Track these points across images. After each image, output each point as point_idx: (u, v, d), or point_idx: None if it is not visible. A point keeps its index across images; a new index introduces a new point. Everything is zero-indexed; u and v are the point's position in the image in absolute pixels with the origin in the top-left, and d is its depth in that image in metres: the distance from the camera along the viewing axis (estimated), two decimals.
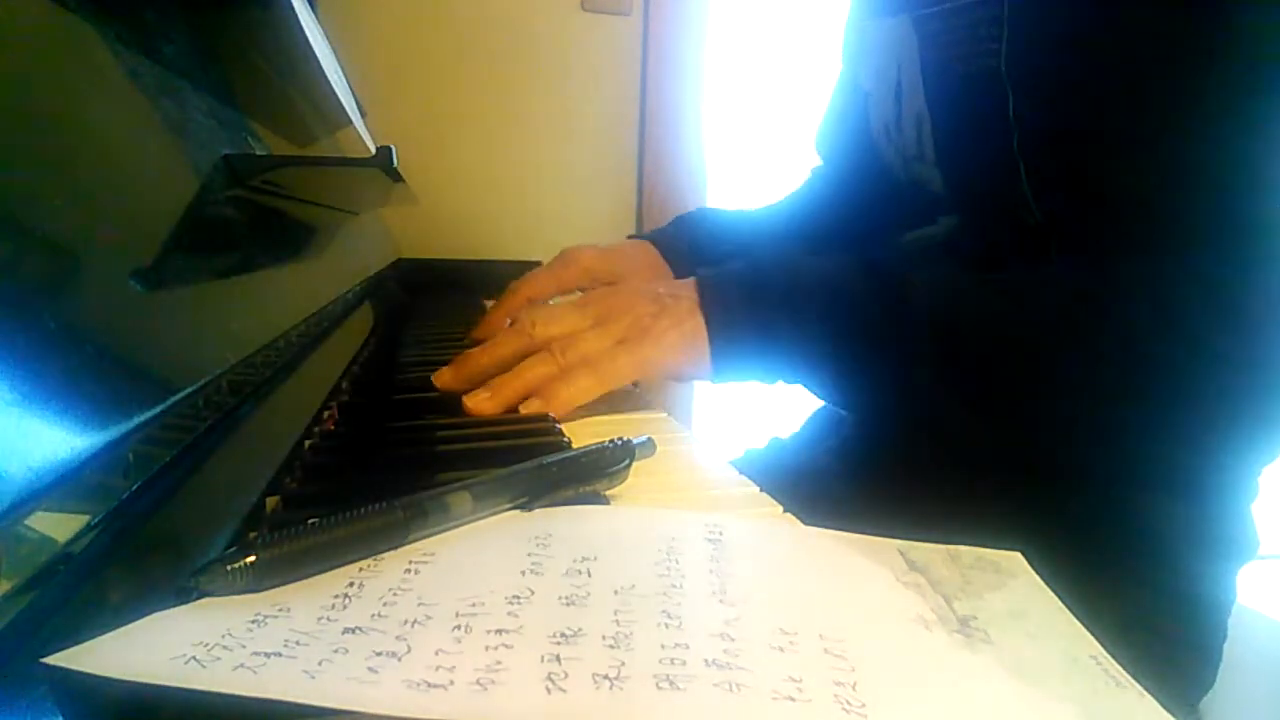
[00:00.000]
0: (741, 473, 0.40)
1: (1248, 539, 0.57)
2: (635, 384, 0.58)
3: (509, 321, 0.64)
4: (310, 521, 0.26)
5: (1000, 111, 0.52)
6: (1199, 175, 0.47)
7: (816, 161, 0.89)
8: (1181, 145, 0.47)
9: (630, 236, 0.81)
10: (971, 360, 0.50)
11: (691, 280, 0.53)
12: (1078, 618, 0.27)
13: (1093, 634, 0.26)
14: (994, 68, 0.52)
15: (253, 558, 0.24)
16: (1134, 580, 0.54)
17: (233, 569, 0.23)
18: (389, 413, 0.50)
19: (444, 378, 0.50)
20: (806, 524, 0.33)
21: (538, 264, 1.52)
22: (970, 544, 0.32)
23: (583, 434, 0.41)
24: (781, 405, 0.78)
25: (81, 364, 0.22)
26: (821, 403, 0.82)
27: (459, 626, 0.23)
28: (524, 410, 0.47)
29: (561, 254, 0.72)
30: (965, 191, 0.60)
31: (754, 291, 0.51)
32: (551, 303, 0.67)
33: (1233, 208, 0.47)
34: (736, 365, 0.51)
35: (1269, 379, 0.47)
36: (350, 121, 0.78)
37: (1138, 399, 0.48)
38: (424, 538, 0.29)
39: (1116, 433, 0.50)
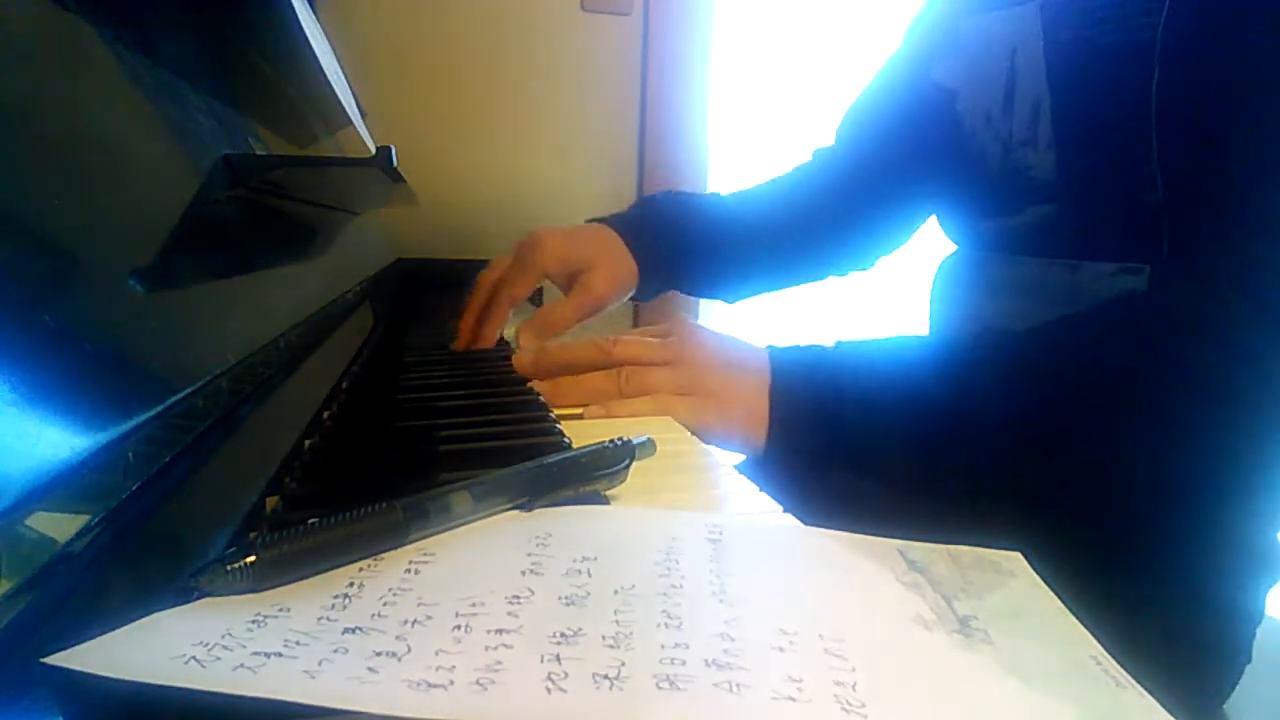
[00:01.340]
0: (744, 472, 0.40)
1: (1277, 558, 0.57)
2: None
3: (488, 330, 0.68)
4: (310, 521, 0.26)
5: (1140, 83, 0.52)
6: None
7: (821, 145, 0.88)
8: None
9: (589, 220, 0.78)
10: (1056, 449, 0.51)
11: (765, 360, 0.54)
12: (1089, 617, 0.27)
13: (1110, 635, 0.26)
14: (1143, 40, 0.52)
15: (253, 558, 0.24)
16: (1158, 582, 0.54)
17: (233, 569, 0.23)
18: (389, 412, 0.50)
19: (524, 361, 0.55)
20: (807, 524, 0.33)
21: None
22: (981, 546, 0.32)
23: (583, 434, 0.41)
24: None
25: (81, 364, 0.22)
26: None
27: (459, 626, 0.23)
28: (586, 415, 0.51)
29: (528, 238, 0.71)
30: (1081, 171, 0.60)
31: (823, 400, 0.52)
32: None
33: None
34: (784, 457, 0.53)
35: None
36: (350, 121, 0.78)
37: (1215, 429, 0.49)
38: (424, 538, 0.29)
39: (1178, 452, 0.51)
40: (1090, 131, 0.59)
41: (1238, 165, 0.50)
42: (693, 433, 0.49)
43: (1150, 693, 0.23)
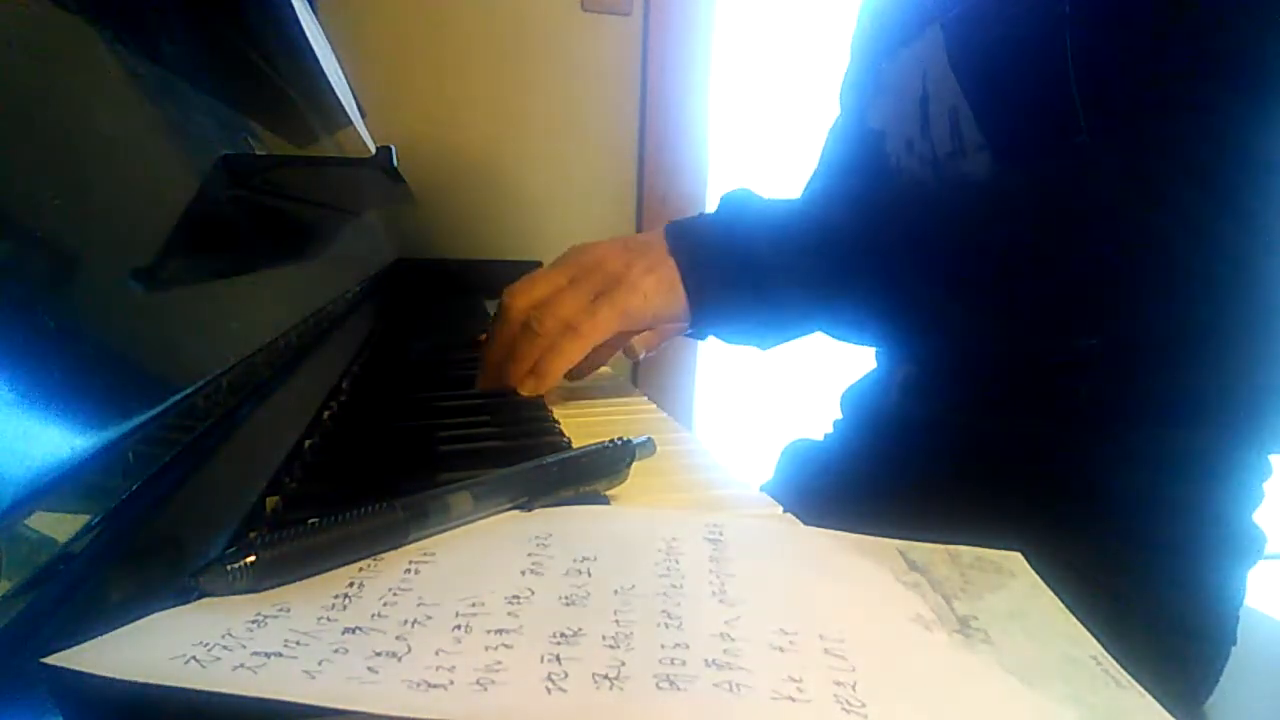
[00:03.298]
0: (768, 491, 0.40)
1: (1256, 538, 0.58)
2: (636, 358, 0.58)
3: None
4: (310, 521, 0.26)
5: (1055, 60, 0.53)
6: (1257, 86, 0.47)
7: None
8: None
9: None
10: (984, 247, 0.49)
11: (660, 229, 0.53)
12: (1081, 615, 0.27)
13: (1097, 629, 0.26)
14: (1054, 18, 0.53)
15: (253, 558, 0.24)
16: (1147, 575, 0.55)
17: (233, 569, 0.23)
18: (389, 412, 0.50)
19: (481, 384, 0.53)
20: (807, 524, 0.33)
21: (538, 264, 1.51)
22: (975, 543, 0.32)
23: (583, 434, 0.41)
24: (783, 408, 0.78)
25: (81, 364, 0.22)
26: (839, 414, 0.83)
27: (459, 626, 0.23)
28: (524, 392, 0.49)
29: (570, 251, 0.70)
30: (1016, 160, 0.60)
31: (722, 230, 0.52)
32: None
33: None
34: (713, 306, 0.51)
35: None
36: (350, 121, 0.78)
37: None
38: (424, 538, 0.29)
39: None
40: (1015, 120, 0.59)
41: (1153, 68, 0.49)
42: (626, 328, 0.49)
43: (1140, 680, 0.23)
